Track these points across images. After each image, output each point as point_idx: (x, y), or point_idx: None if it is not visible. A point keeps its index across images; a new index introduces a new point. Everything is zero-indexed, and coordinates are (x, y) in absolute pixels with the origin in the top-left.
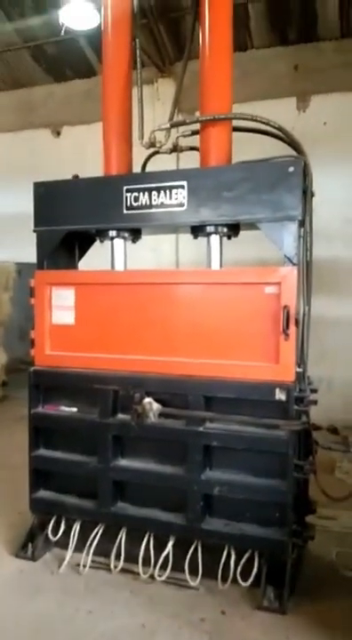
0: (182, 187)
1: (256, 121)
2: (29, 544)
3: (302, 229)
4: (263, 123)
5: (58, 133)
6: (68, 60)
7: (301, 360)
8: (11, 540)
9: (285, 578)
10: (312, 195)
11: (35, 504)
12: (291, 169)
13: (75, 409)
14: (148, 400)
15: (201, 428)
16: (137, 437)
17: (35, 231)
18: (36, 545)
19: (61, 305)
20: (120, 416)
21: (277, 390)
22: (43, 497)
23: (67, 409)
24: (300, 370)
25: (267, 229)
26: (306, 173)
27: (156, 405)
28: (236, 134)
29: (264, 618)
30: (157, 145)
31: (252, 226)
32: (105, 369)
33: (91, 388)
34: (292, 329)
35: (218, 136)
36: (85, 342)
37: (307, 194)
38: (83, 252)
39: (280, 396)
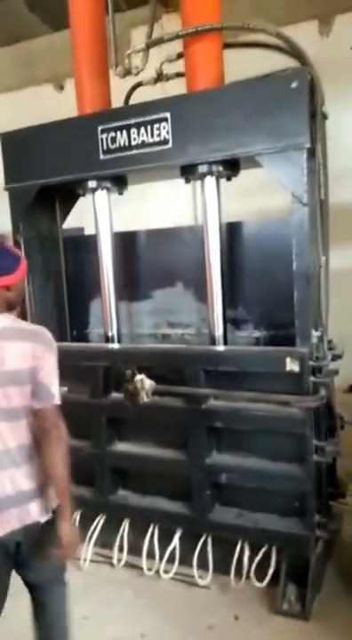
0: (165, 119)
1: (248, 29)
2: None
3: (314, 162)
4: (257, 30)
5: (61, 88)
6: (66, 5)
7: (319, 322)
8: None
9: (308, 576)
10: (324, 117)
11: None
12: (294, 84)
13: (65, 388)
14: (139, 377)
15: (202, 407)
16: (133, 419)
17: (5, 189)
18: None
19: None
20: (114, 395)
21: (288, 360)
22: None
23: None
24: (317, 333)
25: (268, 163)
26: (314, 90)
27: (148, 382)
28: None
29: (283, 624)
30: (133, 71)
31: (253, 161)
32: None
33: (79, 365)
34: None
35: (205, 54)
36: None
37: (316, 115)
38: (66, 211)
39: (291, 366)
